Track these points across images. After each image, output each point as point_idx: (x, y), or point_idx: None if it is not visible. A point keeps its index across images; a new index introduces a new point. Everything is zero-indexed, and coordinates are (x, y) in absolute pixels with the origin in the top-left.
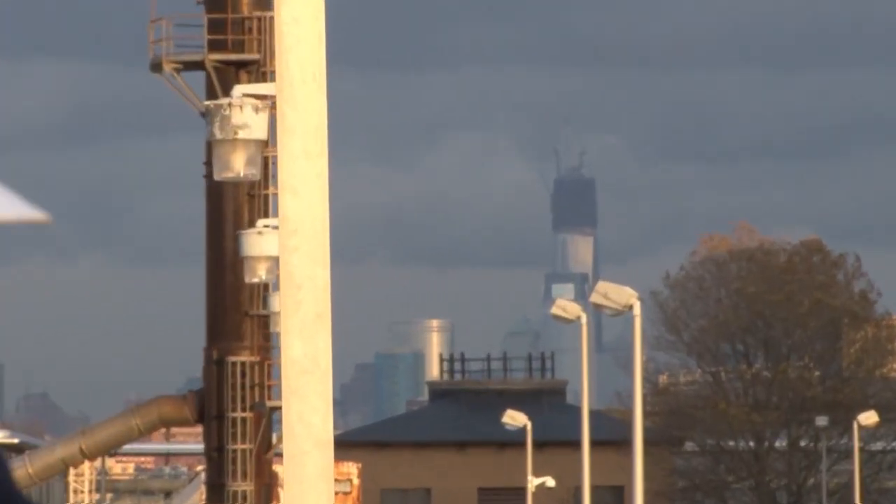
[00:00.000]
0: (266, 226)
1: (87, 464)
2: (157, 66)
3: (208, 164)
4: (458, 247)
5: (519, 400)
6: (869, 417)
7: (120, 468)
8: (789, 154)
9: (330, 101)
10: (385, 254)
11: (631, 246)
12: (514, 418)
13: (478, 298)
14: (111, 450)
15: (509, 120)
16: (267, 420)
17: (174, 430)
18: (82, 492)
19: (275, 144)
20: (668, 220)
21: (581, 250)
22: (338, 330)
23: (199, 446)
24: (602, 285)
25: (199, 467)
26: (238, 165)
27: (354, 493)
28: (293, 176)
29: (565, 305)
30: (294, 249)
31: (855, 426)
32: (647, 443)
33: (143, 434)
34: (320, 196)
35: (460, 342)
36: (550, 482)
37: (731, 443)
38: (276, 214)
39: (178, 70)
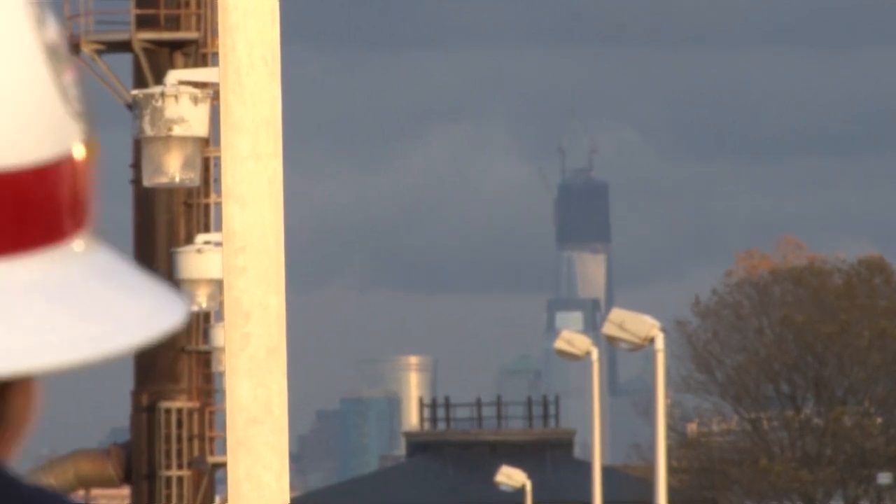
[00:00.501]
0: (207, 242)
1: None
2: (73, 48)
3: (136, 166)
4: (442, 267)
5: (516, 454)
6: None
7: None
8: (843, 149)
9: (285, 90)
10: (353, 276)
11: (652, 265)
12: (511, 477)
13: (466, 330)
14: None
15: (505, 111)
16: (209, 479)
17: (95, 491)
18: None
19: (218, 143)
20: (697, 233)
21: (591, 271)
22: (295, 369)
23: None
24: (617, 314)
25: None
26: (173, 168)
27: None
28: (240, 181)
29: (572, 338)
30: (241, 271)
31: None
32: None
33: None
34: (273, 205)
35: (444, 383)
36: None
37: None
38: (219, 228)
39: (99, 52)
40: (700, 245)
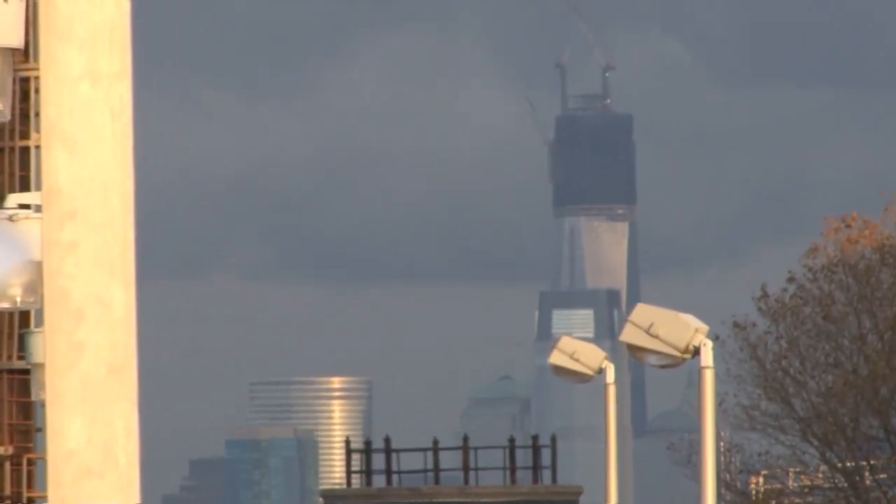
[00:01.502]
0: (22, 206)
1: None
2: None
3: None
4: (380, 245)
5: None
6: None
7: None
8: None
9: None
10: (246, 259)
11: (696, 239)
12: None
13: (416, 338)
14: None
15: (475, 8)
16: None
17: None
18: None
19: (37, 58)
20: (765, 191)
21: (607, 248)
22: (155, 396)
23: None
24: (641, 312)
25: None
26: None
27: None
28: (69, 114)
29: (577, 349)
30: (70, 248)
31: None
32: None
33: None
34: (119, 152)
35: (384, 417)
36: None
37: None
38: (39, 188)
39: None
40: (769, 208)
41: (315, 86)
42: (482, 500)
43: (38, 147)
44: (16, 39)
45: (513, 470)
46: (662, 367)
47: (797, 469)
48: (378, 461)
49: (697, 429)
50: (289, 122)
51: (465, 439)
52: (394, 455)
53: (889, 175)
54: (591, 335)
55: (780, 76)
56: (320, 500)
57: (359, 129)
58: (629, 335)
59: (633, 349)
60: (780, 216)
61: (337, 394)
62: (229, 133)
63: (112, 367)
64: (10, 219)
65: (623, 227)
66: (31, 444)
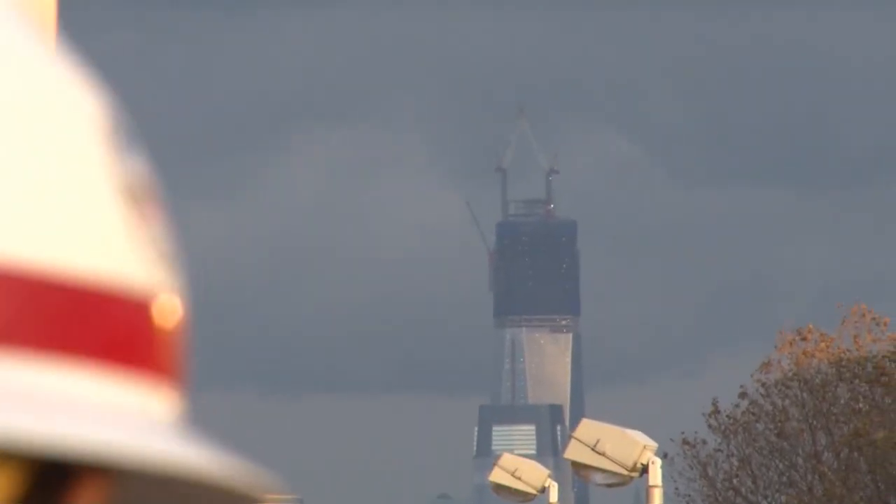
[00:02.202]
0: None
1: None
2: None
3: None
4: (309, 354)
5: None
6: None
7: None
8: None
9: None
10: None
11: (645, 352)
12: None
13: (347, 454)
14: None
15: (412, 106)
16: None
17: None
18: None
19: None
20: (718, 301)
21: (550, 361)
22: None
23: None
24: (587, 428)
25: None
26: None
27: None
28: None
29: (519, 466)
30: None
31: None
32: None
33: None
34: None
35: None
36: None
37: None
38: None
39: None
40: (722, 318)
41: (246, 185)
42: None
43: None
44: None
45: None
46: (609, 485)
47: None
48: None
49: None
50: (218, 222)
51: None
52: None
53: (850, 282)
54: (532, 452)
55: (738, 175)
56: None
57: (291, 232)
58: (574, 452)
59: (579, 467)
60: (735, 326)
61: None
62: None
63: None
64: None
65: (567, 339)
66: None
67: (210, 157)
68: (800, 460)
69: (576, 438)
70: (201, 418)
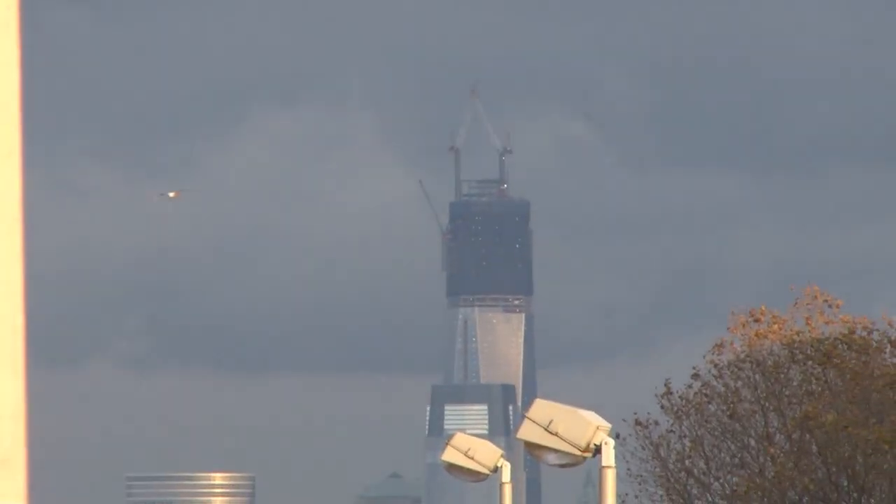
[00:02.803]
0: None
1: None
2: None
3: None
4: (263, 334)
5: None
6: None
7: None
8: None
9: (28, 52)
10: (124, 347)
11: (596, 331)
12: None
13: (301, 432)
14: None
15: (364, 84)
16: None
17: None
18: None
19: None
20: (670, 281)
21: (502, 340)
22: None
23: None
24: (540, 408)
25: None
26: None
27: None
28: None
29: (471, 446)
30: None
31: None
32: None
33: None
34: (6, 237)
35: None
36: None
37: None
38: None
39: None
40: (674, 300)
41: (202, 166)
42: None
43: None
44: None
45: None
46: (562, 466)
47: None
48: None
49: None
50: (173, 205)
51: None
52: None
53: (801, 264)
54: (485, 432)
55: (689, 160)
56: None
57: (247, 213)
58: (527, 432)
59: (532, 447)
60: (688, 307)
61: (219, 490)
62: (112, 215)
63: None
64: None
65: (519, 319)
66: None
67: (161, 138)
68: (752, 442)
69: (529, 418)
70: (157, 398)
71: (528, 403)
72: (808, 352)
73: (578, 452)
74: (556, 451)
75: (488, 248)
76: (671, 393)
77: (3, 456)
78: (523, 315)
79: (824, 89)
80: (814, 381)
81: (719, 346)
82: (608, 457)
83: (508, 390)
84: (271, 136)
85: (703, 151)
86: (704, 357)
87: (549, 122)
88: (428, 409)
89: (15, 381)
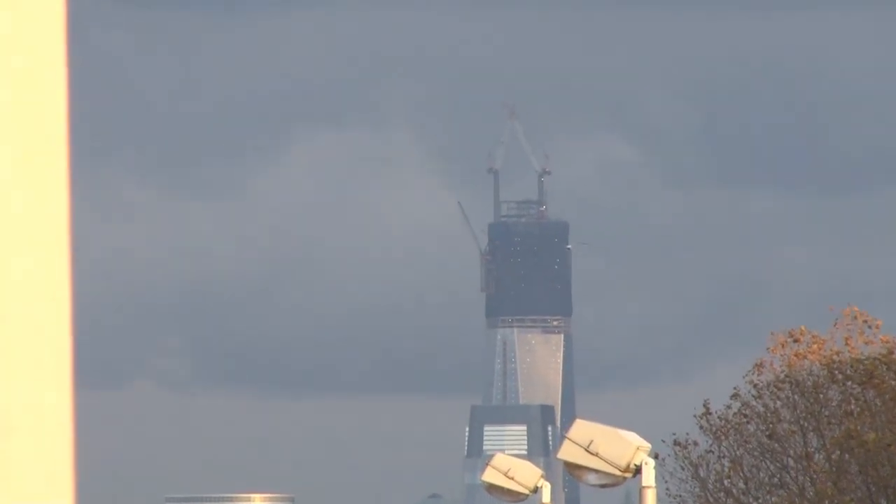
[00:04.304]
0: None
1: None
2: None
3: None
4: (304, 358)
5: None
6: None
7: None
8: None
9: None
10: (167, 368)
11: (636, 354)
12: None
13: (341, 453)
14: None
15: (403, 107)
16: None
17: None
18: None
19: None
20: (711, 302)
21: (541, 362)
22: None
23: None
24: (580, 428)
25: None
26: None
27: None
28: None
29: (512, 466)
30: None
31: None
32: None
33: None
34: (54, 255)
35: None
36: None
37: None
38: None
39: None
40: (715, 321)
41: (247, 186)
42: None
43: None
44: None
45: None
46: (602, 486)
47: None
48: None
49: None
50: (218, 224)
51: None
52: None
53: (845, 284)
54: (524, 452)
55: (731, 179)
56: None
57: (283, 233)
58: (567, 453)
59: (572, 467)
60: (729, 327)
61: None
62: (157, 235)
63: (48, 482)
64: None
65: (558, 340)
66: None
67: (207, 158)
68: (791, 461)
69: (569, 439)
70: (198, 419)
71: (566, 424)
72: (848, 372)
73: (619, 473)
74: (596, 471)
75: (527, 269)
76: (710, 413)
77: (51, 477)
78: (562, 336)
79: (874, 107)
80: (853, 401)
81: (759, 366)
82: (648, 477)
83: (547, 411)
84: (315, 156)
85: (746, 170)
86: (744, 377)
87: (590, 143)
88: (467, 429)
89: (63, 399)
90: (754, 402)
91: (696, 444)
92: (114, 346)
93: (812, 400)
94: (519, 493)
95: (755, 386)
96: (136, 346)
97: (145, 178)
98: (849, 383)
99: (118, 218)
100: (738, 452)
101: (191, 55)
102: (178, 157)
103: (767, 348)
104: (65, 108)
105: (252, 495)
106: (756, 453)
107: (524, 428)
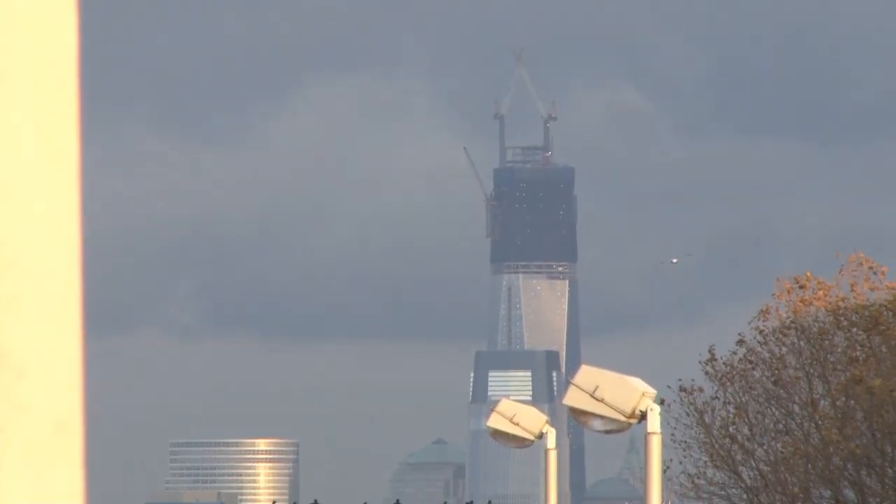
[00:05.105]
0: None
1: None
2: None
3: None
4: (308, 302)
5: None
6: None
7: None
8: None
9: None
10: (175, 313)
11: (642, 299)
12: None
13: (345, 398)
14: None
15: (410, 51)
16: None
17: None
18: None
19: None
20: (715, 248)
21: (546, 307)
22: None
23: None
24: (586, 374)
25: None
26: None
27: None
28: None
29: (517, 412)
30: (11, 302)
31: None
32: None
33: None
34: (65, 203)
35: (311, 481)
36: None
37: None
38: None
39: None
40: (723, 267)
41: (253, 133)
42: None
43: None
44: None
45: None
46: (607, 432)
47: None
48: None
49: (639, 497)
50: (228, 170)
51: None
52: None
53: (851, 232)
54: (528, 398)
55: (741, 128)
56: None
57: (291, 178)
58: (573, 399)
59: (577, 413)
60: (737, 274)
61: (262, 456)
62: (165, 182)
63: (57, 423)
64: None
65: (563, 286)
66: None
67: (215, 105)
68: (796, 408)
69: (574, 385)
70: (203, 365)
71: (572, 370)
72: (853, 318)
73: (624, 419)
74: (601, 417)
75: (532, 215)
76: (715, 359)
77: (61, 421)
78: (567, 282)
79: (880, 57)
80: (858, 347)
81: (764, 312)
82: (654, 423)
83: (552, 357)
84: (324, 102)
85: (752, 118)
86: (749, 324)
87: (598, 89)
88: (472, 375)
89: (73, 347)
90: (760, 349)
91: (701, 390)
92: (120, 292)
93: (817, 346)
94: (524, 439)
95: (761, 332)
96: (143, 292)
97: (155, 125)
98: (854, 329)
99: (127, 165)
100: (743, 399)
101: (204, 4)
102: (188, 105)
103: (773, 294)
104: (75, 56)
105: (256, 440)
106: (761, 399)
107: (529, 374)
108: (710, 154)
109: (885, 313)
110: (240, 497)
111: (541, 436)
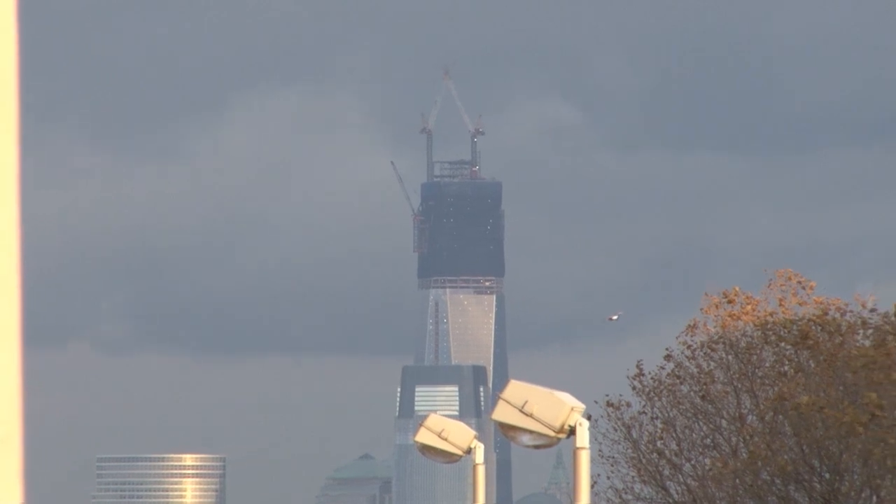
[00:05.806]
0: None
1: None
2: None
3: None
4: (237, 316)
5: None
6: None
7: None
8: (879, 136)
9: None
10: (105, 328)
11: (568, 314)
12: None
13: (273, 414)
14: None
15: (340, 64)
16: None
17: None
18: None
19: None
20: (644, 263)
21: (474, 321)
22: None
23: None
24: (514, 389)
25: None
26: None
27: None
28: None
29: (445, 427)
30: None
31: None
32: None
33: None
34: (4, 218)
35: (238, 496)
36: None
37: None
38: None
39: None
40: (652, 282)
41: (187, 150)
42: None
43: None
44: None
45: None
46: (536, 447)
47: None
48: None
49: None
50: (158, 187)
51: None
52: None
53: (785, 246)
54: (455, 413)
55: (672, 142)
56: None
57: (219, 193)
58: (502, 414)
59: (505, 428)
60: (665, 289)
61: (190, 471)
62: (98, 198)
63: None
64: None
65: (490, 301)
66: None
67: (149, 122)
68: (724, 423)
69: (503, 399)
70: (131, 381)
71: (499, 385)
72: (782, 333)
73: (553, 434)
74: (530, 432)
75: (459, 230)
76: (643, 374)
77: (2, 435)
78: (494, 296)
79: (813, 73)
80: (787, 362)
81: (692, 326)
82: (582, 438)
83: (479, 372)
84: (248, 116)
85: (685, 133)
86: (677, 338)
87: (527, 103)
88: (399, 390)
89: (12, 362)
90: (687, 363)
91: (628, 405)
92: (52, 306)
93: (745, 361)
94: (452, 454)
95: (688, 346)
96: (74, 307)
97: (90, 141)
98: (782, 344)
99: (62, 180)
100: (670, 413)
101: (134, 21)
102: (122, 120)
103: (701, 309)
104: (15, 72)
105: (183, 456)
106: (689, 414)
107: (456, 388)
108: (641, 168)
109: (813, 328)
110: None
111: (469, 451)
